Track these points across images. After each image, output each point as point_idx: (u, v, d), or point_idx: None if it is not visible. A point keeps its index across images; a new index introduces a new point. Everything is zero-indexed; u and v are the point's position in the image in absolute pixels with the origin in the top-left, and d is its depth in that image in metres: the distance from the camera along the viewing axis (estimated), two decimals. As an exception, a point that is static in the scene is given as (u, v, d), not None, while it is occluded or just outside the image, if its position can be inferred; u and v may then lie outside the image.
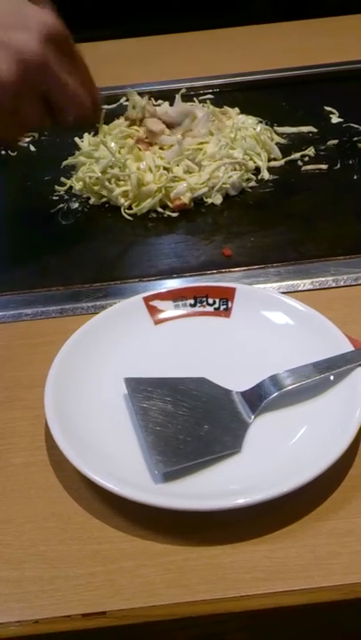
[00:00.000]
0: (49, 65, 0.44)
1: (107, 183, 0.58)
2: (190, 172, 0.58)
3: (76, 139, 0.64)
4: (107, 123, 0.68)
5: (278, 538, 0.32)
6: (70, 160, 0.63)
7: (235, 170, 0.59)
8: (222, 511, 0.32)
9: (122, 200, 0.58)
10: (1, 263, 0.55)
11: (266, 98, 0.74)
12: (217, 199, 0.58)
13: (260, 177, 0.61)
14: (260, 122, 0.66)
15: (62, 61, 0.45)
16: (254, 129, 0.64)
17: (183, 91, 0.71)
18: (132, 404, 0.38)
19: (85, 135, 0.64)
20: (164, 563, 0.32)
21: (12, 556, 0.33)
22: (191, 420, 0.36)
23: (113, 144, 0.61)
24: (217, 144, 0.60)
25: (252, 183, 0.60)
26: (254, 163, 0.61)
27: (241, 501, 0.32)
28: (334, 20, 0.93)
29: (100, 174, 0.58)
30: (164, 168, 0.58)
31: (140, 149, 0.59)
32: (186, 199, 0.57)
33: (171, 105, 0.68)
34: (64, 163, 0.63)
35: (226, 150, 0.59)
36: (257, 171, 0.61)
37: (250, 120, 0.66)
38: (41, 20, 0.44)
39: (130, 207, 0.58)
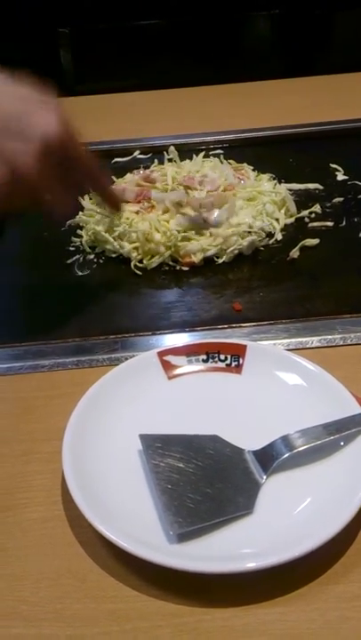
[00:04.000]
0: (40, 179, 0.44)
1: (113, 241, 0.60)
2: (203, 235, 0.60)
3: (79, 198, 0.65)
4: (120, 176, 0.70)
5: (289, 601, 0.33)
6: (73, 220, 0.64)
7: (250, 234, 0.59)
8: (235, 573, 0.33)
9: (134, 254, 0.59)
10: (19, 314, 0.57)
11: (274, 154, 0.77)
12: (228, 258, 0.59)
13: (272, 240, 0.62)
14: (273, 178, 0.69)
15: (60, 168, 0.45)
16: (274, 192, 0.64)
17: (201, 155, 0.72)
18: (147, 461, 0.39)
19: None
20: (178, 624, 0.33)
21: (29, 613, 0.34)
22: (205, 480, 0.37)
23: None
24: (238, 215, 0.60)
25: (264, 242, 0.62)
26: (270, 228, 0.62)
27: (253, 565, 0.33)
28: (340, 77, 0.96)
29: (105, 233, 0.60)
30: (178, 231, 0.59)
31: (143, 211, 0.60)
32: (196, 259, 0.58)
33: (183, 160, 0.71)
34: (68, 222, 0.64)
35: (247, 221, 0.60)
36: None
37: (267, 182, 0.67)
38: (44, 130, 0.43)
39: (141, 261, 0.60)
